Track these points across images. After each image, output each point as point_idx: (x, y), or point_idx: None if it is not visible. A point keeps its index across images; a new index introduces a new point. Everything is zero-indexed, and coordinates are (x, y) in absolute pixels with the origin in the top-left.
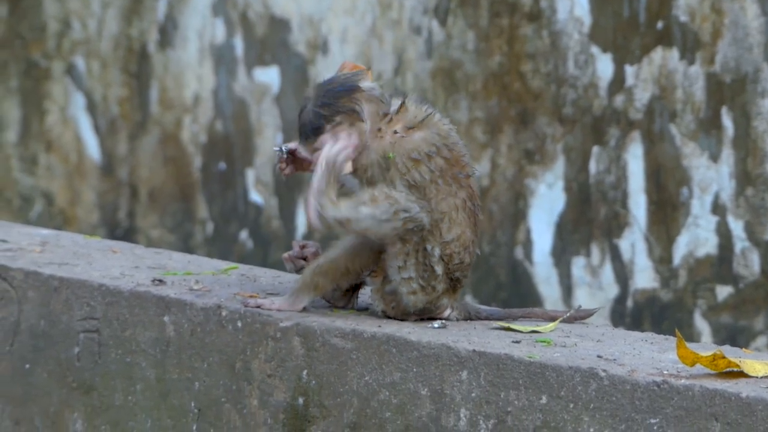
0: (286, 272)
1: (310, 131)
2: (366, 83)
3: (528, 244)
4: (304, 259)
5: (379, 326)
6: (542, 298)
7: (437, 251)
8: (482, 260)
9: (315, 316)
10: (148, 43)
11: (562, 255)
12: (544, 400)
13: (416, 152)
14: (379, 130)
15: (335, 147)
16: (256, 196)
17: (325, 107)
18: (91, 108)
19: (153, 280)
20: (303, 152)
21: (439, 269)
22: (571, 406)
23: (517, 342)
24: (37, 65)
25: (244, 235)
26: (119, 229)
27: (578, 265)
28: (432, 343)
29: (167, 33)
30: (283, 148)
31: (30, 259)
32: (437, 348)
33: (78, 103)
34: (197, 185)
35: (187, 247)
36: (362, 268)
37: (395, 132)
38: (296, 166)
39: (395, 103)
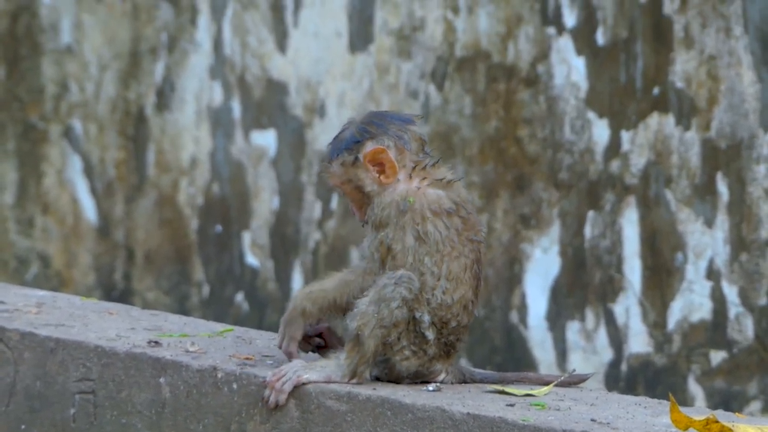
0: None
1: (349, 143)
2: (417, 125)
3: (523, 309)
4: (320, 335)
5: (374, 389)
6: (537, 362)
7: (427, 318)
8: (477, 324)
9: None
10: (145, 106)
11: (556, 319)
12: None
13: (437, 205)
14: (413, 169)
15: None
16: (252, 259)
17: (373, 126)
18: (88, 170)
19: (149, 342)
20: (329, 178)
21: (430, 335)
22: None
23: (512, 405)
24: (34, 128)
25: (239, 297)
26: (115, 291)
27: (573, 330)
28: (426, 406)
29: (164, 96)
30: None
31: (26, 321)
32: (432, 411)
33: (75, 165)
34: (193, 248)
35: (183, 310)
36: (348, 305)
37: (423, 179)
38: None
39: (431, 158)
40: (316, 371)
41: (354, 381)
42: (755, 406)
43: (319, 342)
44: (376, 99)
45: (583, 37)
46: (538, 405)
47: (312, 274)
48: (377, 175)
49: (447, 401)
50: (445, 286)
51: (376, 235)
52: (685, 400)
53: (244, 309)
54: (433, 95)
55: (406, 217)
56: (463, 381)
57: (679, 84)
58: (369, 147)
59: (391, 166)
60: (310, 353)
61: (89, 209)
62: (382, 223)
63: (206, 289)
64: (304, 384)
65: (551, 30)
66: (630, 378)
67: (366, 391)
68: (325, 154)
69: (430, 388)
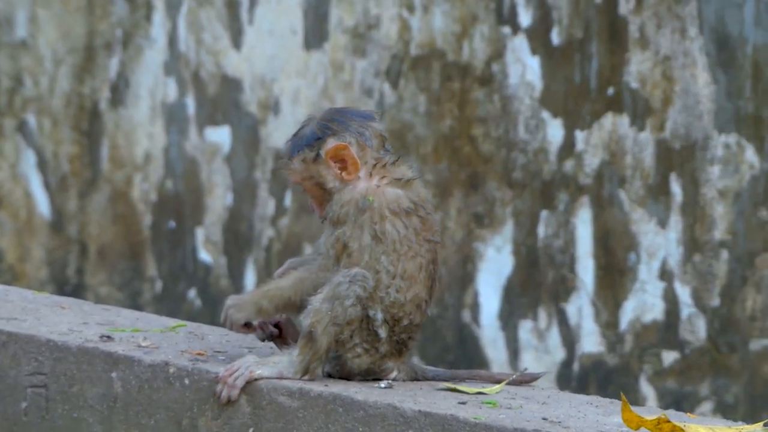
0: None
1: (310, 140)
2: (377, 122)
3: (475, 307)
4: (276, 326)
5: (326, 385)
6: (489, 360)
7: (380, 316)
8: (430, 322)
9: None
10: (99, 101)
11: (509, 318)
12: None
13: (396, 204)
14: (373, 167)
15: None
16: (205, 255)
17: (334, 122)
18: (42, 165)
19: (101, 337)
20: (289, 174)
21: (382, 332)
22: None
23: (463, 403)
24: None
25: (192, 293)
26: (68, 286)
27: (525, 329)
28: (378, 403)
29: (119, 91)
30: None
31: None
32: (383, 408)
33: (29, 160)
34: (147, 243)
35: (135, 305)
36: (303, 302)
37: (383, 177)
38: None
39: (392, 156)
40: (268, 367)
41: (306, 377)
42: (706, 406)
43: (273, 331)
44: (330, 97)
45: (538, 37)
46: (490, 403)
47: (265, 271)
48: (339, 171)
49: (398, 398)
50: (399, 285)
51: (333, 232)
52: (636, 400)
53: (197, 305)
54: (388, 93)
55: (364, 216)
56: (415, 378)
57: (634, 84)
58: (331, 143)
59: (353, 162)
60: (264, 343)
61: (42, 204)
62: (340, 221)
63: (159, 285)
64: (256, 380)
65: (506, 29)
66: (582, 377)
67: (318, 387)
68: (285, 150)
69: (382, 385)
